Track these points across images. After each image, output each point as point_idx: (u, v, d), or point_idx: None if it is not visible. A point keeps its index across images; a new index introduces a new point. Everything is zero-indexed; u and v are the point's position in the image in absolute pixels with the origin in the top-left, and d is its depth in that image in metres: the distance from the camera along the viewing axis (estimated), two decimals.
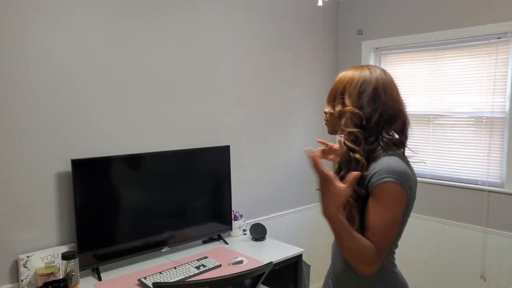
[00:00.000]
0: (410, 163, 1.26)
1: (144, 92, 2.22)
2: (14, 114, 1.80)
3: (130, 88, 2.17)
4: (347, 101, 1.22)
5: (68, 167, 1.94)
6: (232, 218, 2.55)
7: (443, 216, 2.85)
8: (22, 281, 1.80)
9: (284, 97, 2.99)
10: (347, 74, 1.26)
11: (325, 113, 1.31)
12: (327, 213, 1.05)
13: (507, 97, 2.55)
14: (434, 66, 2.88)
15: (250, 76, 2.75)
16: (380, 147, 1.19)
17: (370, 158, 1.18)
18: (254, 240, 2.51)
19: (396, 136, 1.25)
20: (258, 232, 2.52)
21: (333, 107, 1.26)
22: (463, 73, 2.74)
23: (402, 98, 1.28)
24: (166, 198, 2.21)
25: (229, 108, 2.64)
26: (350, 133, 1.19)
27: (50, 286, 1.71)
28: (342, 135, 1.22)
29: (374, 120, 1.20)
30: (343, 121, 1.21)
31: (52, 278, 1.80)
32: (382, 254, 1.12)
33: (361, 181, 1.16)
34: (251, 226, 2.55)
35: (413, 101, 3.01)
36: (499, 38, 2.56)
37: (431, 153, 2.93)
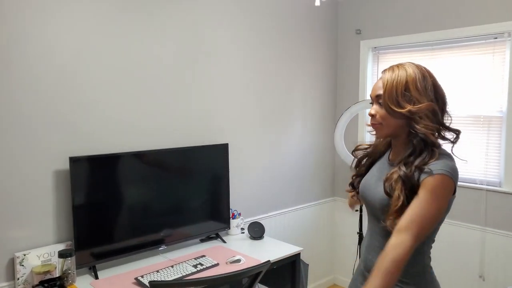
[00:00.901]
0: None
1: (143, 90, 2.22)
2: (12, 111, 1.79)
3: (129, 86, 2.16)
4: (417, 96, 1.16)
5: (66, 165, 1.94)
6: (230, 216, 2.55)
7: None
8: (18, 279, 1.80)
9: (283, 96, 2.99)
10: (400, 71, 1.21)
11: (373, 115, 1.25)
12: None
13: (504, 97, 2.56)
14: (432, 65, 2.88)
15: (249, 75, 2.75)
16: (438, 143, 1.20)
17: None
18: (252, 239, 2.50)
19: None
20: (256, 231, 2.52)
21: (399, 106, 1.18)
22: (461, 73, 2.74)
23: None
24: (164, 196, 2.21)
25: (228, 107, 2.64)
26: (432, 127, 1.17)
27: (46, 285, 1.70)
28: (421, 134, 1.17)
29: (439, 114, 1.20)
30: (421, 117, 1.17)
31: (48, 276, 1.79)
32: (415, 243, 1.10)
33: (421, 173, 1.15)
34: (249, 225, 2.55)
35: None
36: (496, 38, 2.57)
37: None
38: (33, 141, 1.86)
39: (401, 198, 1.15)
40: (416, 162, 1.17)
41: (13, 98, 1.79)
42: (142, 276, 1.91)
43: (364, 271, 1.35)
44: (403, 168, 1.18)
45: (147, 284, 1.82)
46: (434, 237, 1.28)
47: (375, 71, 3.22)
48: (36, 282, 1.76)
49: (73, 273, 1.84)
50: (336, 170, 3.45)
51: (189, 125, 2.44)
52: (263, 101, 2.86)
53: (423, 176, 1.14)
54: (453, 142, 1.24)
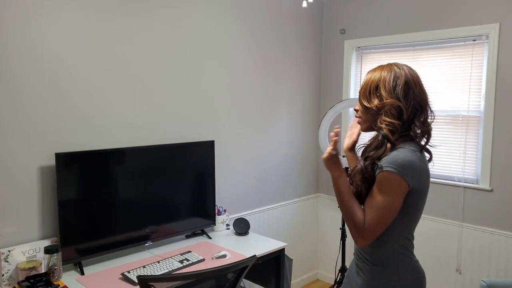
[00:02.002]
0: (425, 158, 1.34)
1: (129, 87, 2.22)
2: None
3: (115, 84, 2.16)
4: (384, 94, 1.30)
5: (51, 161, 1.93)
6: (216, 213, 2.58)
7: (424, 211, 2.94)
8: (3, 275, 1.79)
9: (269, 94, 3.02)
10: (376, 72, 1.35)
11: (356, 110, 1.40)
12: (334, 174, 1.33)
13: (482, 97, 2.65)
14: (413, 65, 2.94)
15: (236, 72, 2.78)
16: (401, 137, 1.30)
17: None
18: (237, 235, 2.54)
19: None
20: (241, 227, 2.55)
21: (369, 102, 1.33)
22: (441, 73, 2.83)
23: (427, 91, 1.36)
24: (150, 193, 2.22)
25: (214, 104, 2.66)
26: (391, 123, 1.28)
27: (32, 280, 1.70)
28: (383, 126, 1.29)
29: (410, 110, 1.29)
30: (383, 113, 1.30)
31: (34, 272, 1.79)
32: (371, 232, 1.25)
33: (374, 167, 1.29)
34: (234, 221, 2.58)
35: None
36: (474, 40, 2.66)
37: None
38: (18, 137, 1.85)
39: (360, 188, 1.32)
40: (371, 156, 1.31)
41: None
42: (128, 272, 1.93)
43: (356, 260, 1.46)
44: (362, 162, 1.33)
45: (134, 279, 1.84)
46: (408, 230, 1.36)
47: (358, 71, 3.29)
48: (21, 278, 1.76)
49: (59, 269, 1.84)
50: (320, 167, 3.51)
51: (175, 122, 2.46)
52: (249, 99, 2.89)
53: (377, 171, 1.27)
54: (418, 140, 1.32)
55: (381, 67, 1.36)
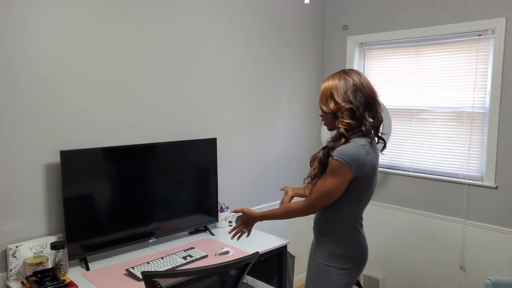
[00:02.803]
0: (373, 150, 1.60)
1: (132, 85, 2.25)
2: (2, 105, 1.81)
3: (118, 82, 2.19)
4: (337, 99, 1.57)
5: (56, 158, 1.96)
6: (218, 210, 2.60)
7: (424, 208, 2.94)
8: (11, 270, 1.83)
9: (270, 91, 3.03)
10: (330, 81, 1.62)
11: (320, 115, 1.67)
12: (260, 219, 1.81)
13: (487, 93, 2.63)
14: (417, 61, 2.95)
15: (237, 69, 2.79)
16: (356, 133, 1.56)
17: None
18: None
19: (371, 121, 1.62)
20: None
21: (327, 107, 1.61)
22: (445, 69, 2.82)
23: (375, 88, 1.63)
24: (154, 190, 2.25)
25: (216, 102, 2.68)
26: (347, 124, 1.55)
27: (39, 275, 1.73)
28: (340, 126, 1.58)
29: (361, 109, 1.56)
30: (340, 116, 1.57)
31: (41, 268, 1.82)
32: (313, 209, 1.64)
33: (328, 156, 1.58)
34: (236, 218, 2.59)
35: (396, 96, 3.08)
36: (480, 35, 2.64)
37: (413, 147, 3.02)
38: (24, 135, 1.88)
39: (316, 171, 1.62)
40: (328, 146, 1.60)
41: (2, 92, 1.81)
42: (133, 268, 1.96)
43: (315, 233, 1.80)
44: (321, 151, 1.63)
45: (138, 275, 1.87)
46: (357, 211, 1.69)
47: (361, 67, 3.28)
48: (29, 273, 1.79)
49: (66, 265, 1.88)
50: None
51: (178, 120, 2.48)
52: (251, 96, 2.90)
53: (329, 159, 1.56)
54: (366, 133, 1.57)
55: (333, 76, 1.62)
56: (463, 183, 2.75)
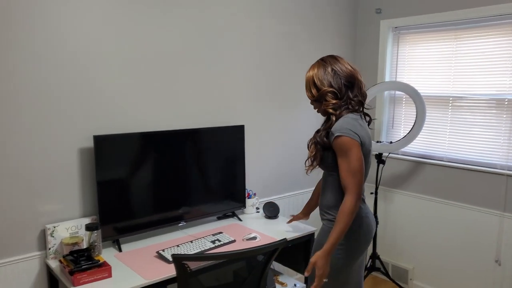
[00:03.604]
0: (364, 123, 1.75)
1: (164, 72, 2.27)
2: (42, 92, 1.87)
3: (150, 69, 2.21)
4: (319, 84, 1.73)
5: (90, 143, 2.02)
6: (246, 196, 2.61)
7: (458, 199, 2.84)
8: (49, 249, 1.92)
9: (299, 78, 2.98)
10: (310, 71, 1.77)
11: (311, 104, 1.80)
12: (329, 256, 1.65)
13: None
14: (455, 46, 2.82)
15: (266, 55, 2.76)
16: (344, 110, 1.70)
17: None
18: (267, 218, 2.57)
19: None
20: (271, 211, 2.58)
21: (311, 93, 1.76)
22: (485, 53, 2.67)
23: (354, 68, 1.76)
24: (183, 175, 2.28)
25: (245, 89, 2.67)
26: (332, 104, 1.71)
27: (75, 255, 1.80)
28: (327, 108, 1.72)
29: (343, 89, 1.72)
30: (324, 99, 1.72)
31: (76, 248, 1.90)
32: (358, 192, 1.62)
33: (328, 136, 1.69)
34: (264, 204, 2.61)
35: (431, 83, 2.97)
36: None
37: (448, 136, 2.91)
38: (60, 121, 1.94)
39: (313, 151, 1.75)
40: (322, 128, 1.73)
41: (41, 79, 1.87)
42: (163, 250, 2.00)
43: (322, 215, 1.86)
44: (317, 135, 1.74)
45: (168, 258, 1.91)
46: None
47: (395, 52, 3.17)
48: (65, 252, 1.87)
49: (99, 245, 1.95)
50: None
51: (207, 107, 2.49)
52: (278, 82, 2.87)
53: (331, 138, 1.66)
54: (355, 109, 1.72)
55: (312, 66, 1.77)
56: (502, 174, 2.63)
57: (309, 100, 1.81)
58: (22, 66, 1.81)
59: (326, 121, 1.75)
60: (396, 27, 3.12)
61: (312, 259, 1.65)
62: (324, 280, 1.64)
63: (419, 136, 2.90)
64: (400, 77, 3.16)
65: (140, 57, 2.17)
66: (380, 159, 3.01)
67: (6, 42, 1.76)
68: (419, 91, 2.82)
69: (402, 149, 3.09)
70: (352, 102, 1.72)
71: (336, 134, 1.63)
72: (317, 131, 1.77)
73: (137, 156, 2.11)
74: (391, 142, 2.98)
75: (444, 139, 2.92)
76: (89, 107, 2.03)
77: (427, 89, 2.98)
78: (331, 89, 1.70)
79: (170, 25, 2.26)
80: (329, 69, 1.72)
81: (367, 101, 1.81)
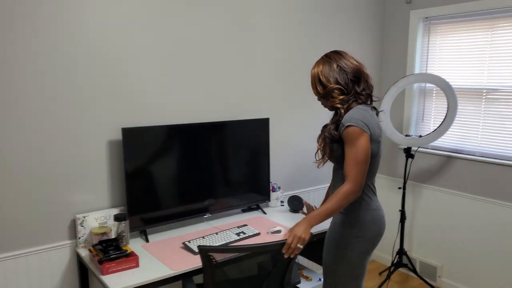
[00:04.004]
0: (374, 114, 1.75)
1: (191, 66, 2.28)
2: (72, 85, 1.92)
3: (177, 62, 2.22)
4: (324, 81, 1.72)
5: (118, 136, 2.06)
6: (270, 189, 2.60)
7: (492, 196, 2.73)
8: (79, 238, 1.97)
9: None
10: (315, 68, 1.77)
11: (318, 100, 1.81)
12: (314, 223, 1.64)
13: None
14: (490, 36, 2.70)
15: (291, 48, 2.72)
16: (352, 103, 1.70)
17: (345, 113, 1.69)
18: (292, 212, 2.55)
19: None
20: (296, 204, 2.56)
21: (317, 90, 1.76)
22: None
23: (359, 62, 1.76)
24: (209, 167, 2.29)
25: (270, 82, 2.65)
26: (339, 100, 1.71)
27: (104, 245, 1.85)
28: (334, 103, 1.73)
29: (350, 84, 1.71)
30: (330, 96, 1.73)
31: (105, 237, 1.95)
32: (357, 182, 1.62)
33: (337, 128, 1.69)
34: (288, 198, 2.59)
35: (463, 75, 2.85)
36: None
37: (481, 130, 2.79)
38: (90, 114, 1.99)
39: (322, 144, 1.75)
40: (331, 122, 1.74)
41: (71, 75, 1.91)
42: (189, 241, 2.03)
43: None
44: (326, 130, 1.74)
45: (194, 249, 1.93)
46: (370, 177, 1.73)
47: (425, 44, 3.06)
48: (95, 242, 1.92)
49: (127, 236, 1.98)
50: None
51: (233, 100, 2.49)
52: (304, 74, 2.82)
53: (342, 130, 1.65)
54: (364, 102, 1.73)
55: (317, 63, 1.77)
56: None
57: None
58: (56, 64, 1.86)
59: (334, 115, 1.75)
60: (426, 17, 3.01)
61: (290, 229, 1.66)
62: (299, 246, 1.61)
63: (450, 130, 2.80)
64: (431, 69, 3.05)
65: (167, 51, 2.18)
66: (409, 153, 2.93)
67: (39, 40, 1.81)
68: (450, 83, 2.72)
69: (432, 143, 3.00)
70: (361, 96, 1.72)
71: (346, 124, 1.63)
72: (325, 126, 1.77)
73: (164, 148, 2.13)
74: (420, 136, 2.89)
75: (477, 133, 2.81)
76: (118, 100, 2.06)
77: (459, 81, 2.87)
78: (337, 86, 1.70)
79: (196, 23, 2.26)
80: (335, 66, 1.71)
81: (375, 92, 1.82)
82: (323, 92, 1.73)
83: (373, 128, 1.66)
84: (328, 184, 3.07)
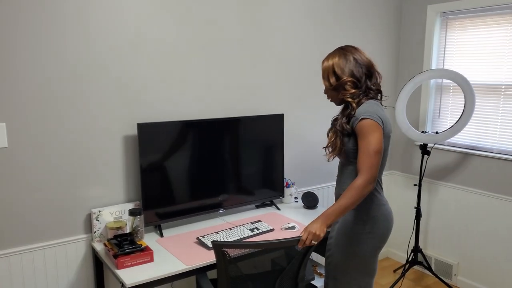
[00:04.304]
0: (384, 108, 1.76)
1: (205, 63, 2.27)
2: (87, 79, 1.93)
3: (192, 59, 2.22)
4: (339, 73, 1.71)
5: (134, 131, 2.07)
6: (284, 185, 2.59)
7: (509, 193, 2.67)
8: (95, 232, 1.99)
9: None
10: (330, 59, 1.75)
11: (325, 93, 1.81)
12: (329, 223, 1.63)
13: None
14: (510, 31, 2.63)
15: (306, 44, 2.70)
16: (363, 98, 1.70)
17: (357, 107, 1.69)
18: (306, 208, 2.54)
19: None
20: (310, 201, 2.54)
21: (329, 82, 1.74)
22: None
23: (371, 58, 1.76)
24: (223, 163, 2.30)
25: (284, 78, 2.63)
26: (350, 93, 1.70)
27: (119, 239, 1.86)
28: (345, 97, 1.71)
29: (363, 78, 1.71)
30: (342, 88, 1.71)
31: (120, 232, 1.96)
32: (372, 174, 1.60)
33: (349, 122, 1.68)
34: (303, 194, 2.58)
35: (481, 71, 2.79)
36: None
37: (499, 126, 2.73)
38: (105, 110, 2.00)
39: (332, 137, 1.75)
40: (341, 116, 1.73)
41: (88, 71, 1.93)
42: (203, 236, 2.03)
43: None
44: (337, 123, 1.73)
45: (208, 244, 1.94)
46: (380, 171, 1.72)
47: (443, 39, 3.01)
48: (110, 236, 1.94)
49: (142, 230, 2.00)
50: (394, 143, 3.33)
51: (248, 95, 2.48)
52: (319, 69, 2.79)
53: (355, 123, 1.65)
54: (374, 97, 1.73)
55: (332, 54, 1.75)
56: None
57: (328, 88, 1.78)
58: (75, 62, 1.88)
59: (343, 110, 1.75)
60: (444, 12, 2.95)
61: (306, 227, 1.63)
62: (314, 242, 1.62)
63: (467, 126, 2.75)
64: (448, 64, 2.99)
65: (182, 47, 2.18)
66: (425, 149, 2.88)
67: (59, 36, 1.82)
68: (468, 79, 2.66)
69: (449, 140, 2.95)
70: (371, 91, 1.72)
71: (361, 117, 1.62)
72: (335, 119, 1.76)
73: (179, 144, 2.14)
74: (436, 132, 2.84)
75: (495, 130, 2.75)
76: (133, 96, 2.07)
77: (477, 77, 2.81)
78: (351, 78, 1.70)
79: (211, 19, 2.26)
80: (351, 58, 1.71)
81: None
82: (336, 84, 1.72)
83: (386, 122, 1.68)
84: None
